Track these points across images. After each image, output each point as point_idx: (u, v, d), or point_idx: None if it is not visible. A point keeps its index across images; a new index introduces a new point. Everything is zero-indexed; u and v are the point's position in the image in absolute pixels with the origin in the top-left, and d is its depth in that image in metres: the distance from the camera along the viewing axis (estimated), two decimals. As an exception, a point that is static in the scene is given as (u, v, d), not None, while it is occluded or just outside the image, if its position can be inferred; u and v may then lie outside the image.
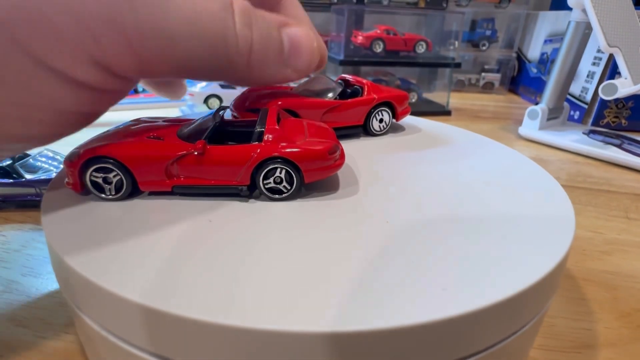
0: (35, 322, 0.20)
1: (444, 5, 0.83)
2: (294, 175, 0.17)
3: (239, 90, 0.58)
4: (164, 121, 0.20)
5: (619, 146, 0.49)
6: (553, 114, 0.58)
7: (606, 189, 0.41)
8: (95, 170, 0.17)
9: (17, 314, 0.20)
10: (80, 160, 0.16)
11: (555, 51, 0.78)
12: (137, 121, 0.20)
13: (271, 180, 0.17)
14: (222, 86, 0.58)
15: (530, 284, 0.13)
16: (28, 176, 0.29)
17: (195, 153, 0.17)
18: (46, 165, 0.31)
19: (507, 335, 0.14)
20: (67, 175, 0.17)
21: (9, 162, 0.30)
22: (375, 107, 0.27)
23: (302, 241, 0.15)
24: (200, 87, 0.57)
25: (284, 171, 0.17)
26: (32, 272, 0.23)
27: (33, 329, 0.19)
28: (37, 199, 0.29)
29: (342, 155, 0.19)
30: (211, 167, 0.17)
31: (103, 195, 0.17)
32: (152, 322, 0.12)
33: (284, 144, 0.17)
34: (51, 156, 0.33)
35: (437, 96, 0.75)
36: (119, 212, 0.16)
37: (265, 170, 0.17)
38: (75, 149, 0.17)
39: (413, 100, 0.71)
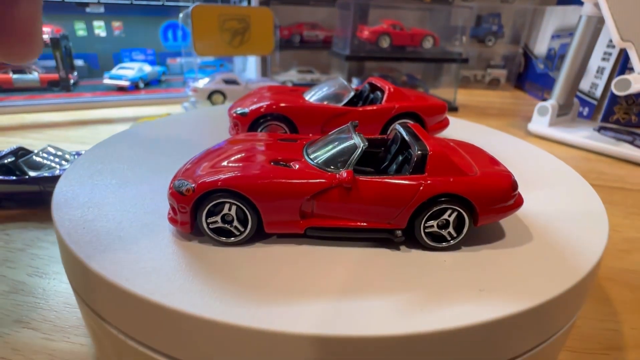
0: (43, 323, 0.19)
1: None
2: (465, 218, 0.14)
3: (243, 87, 0.57)
4: (278, 139, 0.16)
5: (632, 143, 0.48)
6: (563, 111, 0.57)
7: (621, 186, 0.40)
8: (211, 209, 0.13)
9: (24, 315, 0.19)
10: (196, 195, 0.13)
11: (563, 47, 0.77)
12: (238, 139, 0.16)
13: (434, 223, 0.14)
14: (226, 82, 0.57)
15: (566, 288, 0.13)
16: (32, 173, 0.29)
17: (339, 186, 0.13)
18: (49, 162, 0.30)
19: (543, 340, 0.13)
20: (173, 210, 0.13)
21: (11, 159, 0.29)
22: (395, 118, 0.23)
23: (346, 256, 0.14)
24: (203, 84, 0.56)
25: (455, 213, 0.14)
26: (38, 271, 0.22)
27: (41, 330, 0.19)
28: (41, 196, 0.29)
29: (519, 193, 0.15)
30: (359, 205, 0.13)
31: (224, 239, 0.13)
32: (160, 321, 0.11)
33: (455, 175, 0.14)
34: (54, 153, 0.32)
35: (443, 92, 0.74)
36: (135, 211, 0.16)
37: (431, 212, 0.13)
38: (182, 179, 0.13)
39: (419, 97, 0.71)
